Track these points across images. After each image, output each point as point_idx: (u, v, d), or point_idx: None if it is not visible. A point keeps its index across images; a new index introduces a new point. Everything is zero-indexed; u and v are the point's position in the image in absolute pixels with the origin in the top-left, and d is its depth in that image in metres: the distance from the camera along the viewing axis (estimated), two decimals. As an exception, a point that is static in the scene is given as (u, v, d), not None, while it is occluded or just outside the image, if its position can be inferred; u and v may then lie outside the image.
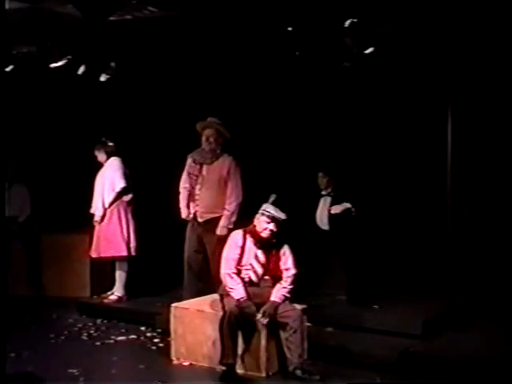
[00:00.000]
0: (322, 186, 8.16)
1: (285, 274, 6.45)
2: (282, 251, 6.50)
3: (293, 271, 6.46)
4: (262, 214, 6.44)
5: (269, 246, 6.48)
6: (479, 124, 7.95)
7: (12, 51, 8.44)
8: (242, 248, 6.46)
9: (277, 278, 6.46)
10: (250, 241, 6.47)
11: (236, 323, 6.24)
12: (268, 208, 6.45)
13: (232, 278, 6.38)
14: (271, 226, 6.40)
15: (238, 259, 6.44)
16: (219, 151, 7.64)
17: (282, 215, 6.41)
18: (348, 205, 7.86)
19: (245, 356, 6.39)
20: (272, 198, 7.41)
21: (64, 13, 7.30)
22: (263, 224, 6.42)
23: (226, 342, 6.23)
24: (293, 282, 6.44)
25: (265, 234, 6.43)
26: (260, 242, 6.48)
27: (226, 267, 6.43)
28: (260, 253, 6.48)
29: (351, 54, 7.21)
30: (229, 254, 6.47)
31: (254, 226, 6.50)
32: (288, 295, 6.40)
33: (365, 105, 8.59)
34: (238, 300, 6.28)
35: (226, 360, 6.25)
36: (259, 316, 6.25)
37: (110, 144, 8.55)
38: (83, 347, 7.27)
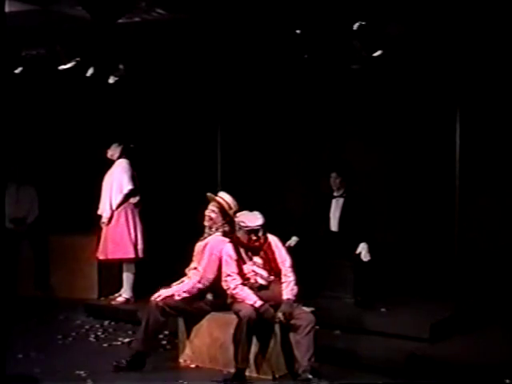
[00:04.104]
0: (334, 187, 8.13)
1: (283, 268, 6.49)
2: (273, 245, 6.54)
3: (288, 262, 6.52)
4: (240, 229, 6.46)
5: (260, 248, 6.51)
6: (488, 127, 7.94)
7: (21, 53, 8.47)
8: (238, 260, 6.48)
9: (281, 274, 6.52)
10: (242, 251, 6.51)
11: (253, 328, 6.24)
12: (244, 220, 6.45)
13: (241, 289, 6.39)
14: (255, 235, 6.43)
15: (239, 271, 6.46)
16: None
17: (258, 221, 6.43)
18: (365, 246, 7.79)
19: (256, 359, 6.37)
20: (293, 240, 7.51)
21: (73, 15, 7.31)
22: (246, 236, 6.45)
23: (243, 346, 6.22)
24: (293, 271, 6.50)
25: (256, 244, 6.47)
26: (252, 250, 6.51)
27: (232, 282, 6.43)
28: (256, 258, 6.51)
29: (360, 56, 7.21)
30: (228, 269, 6.47)
31: (239, 237, 6.51)
32: (296, 287, 6.44)
33: (373, 107, 8.58)
34: (258, 307, 6.27)
35: (243, 364, 6.25)
36: (280, 315, 6.26)
37: (132, 151, 8.55)
38: (90, 349, 7.28)
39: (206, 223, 6.87)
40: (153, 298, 6.66)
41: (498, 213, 7.97)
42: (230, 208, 6.79)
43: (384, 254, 7.82)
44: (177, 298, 6.61)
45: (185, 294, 6.62)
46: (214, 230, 6.81)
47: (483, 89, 7.81)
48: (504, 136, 7.87)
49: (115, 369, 6.52)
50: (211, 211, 6.84)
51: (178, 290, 6.67)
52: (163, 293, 6.67)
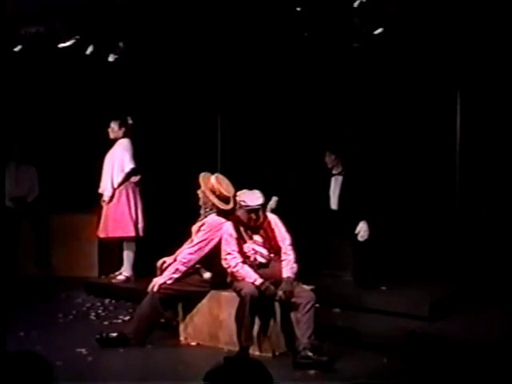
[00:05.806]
0: (329, 165, 8.14)
1: (283, 246, 6.52)
2: (272, 223, 6.57)
3: (288, 240, 6.55)
4: (241, 207, 6.47)
5: (260, 226, 6.54)
6: (489, 107, 7.91)
7: (20, 31, 8.43)
8: (238, 238, 6.50)
9: (281, 252, 6.55)
10: (242, 229, 6.52)
11: (256, 306, 6.26)
12: (244, 199, 6.46)
13: (241, 267, 6.40)
14: (255, 215, 6.45)
15: (240, 249, 6.47)
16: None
17: (259, 201, 6.45)
18: (364, 225, 7.77)
19: (257, 337, 6.39)
20: (273, 200, 7.51)
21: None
22: (246, 215, 6.46)
23: (246, 325, 6.25)
24: (293, 249, 6.53)
25: (255, 222, 6.49)
26: (251, 229, 6.52)
27: (232, 260, 6.44)
28: (256, 236, 6.53)
29: (360, 34, 7.17)
30: (228, 247, 6.48)
31: (238, 216, 6.52)
32: (295, 265, 6.46)
33: (373, 86, 8.55)
34: (258, 285, 6.28)
35: (248, 343, 6.27)
36: (280, 293, 6.28)
37: (132, 129, 8.54)
38: (91, 327, 7.30)
39: (200, 202, 6.90)
40: (149, 289, 6.68)
41: (497, 192, 7.96)
42: (213, 192, 6.74)
43: (384, 233, 7.82)
44: (169, 282, 6.63)
45: (176, 275, 6.64)
46: (208, 209, 6.81)
47: (485, 70, 7.77)
48: (505, 118, 7.84)
49: (97, 341, 6.59)
50: (200, 191, 6.86)
51: (169, 273, 6.68)
52: (157, 281, 6.69)
